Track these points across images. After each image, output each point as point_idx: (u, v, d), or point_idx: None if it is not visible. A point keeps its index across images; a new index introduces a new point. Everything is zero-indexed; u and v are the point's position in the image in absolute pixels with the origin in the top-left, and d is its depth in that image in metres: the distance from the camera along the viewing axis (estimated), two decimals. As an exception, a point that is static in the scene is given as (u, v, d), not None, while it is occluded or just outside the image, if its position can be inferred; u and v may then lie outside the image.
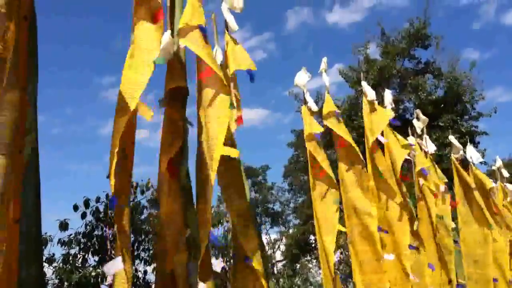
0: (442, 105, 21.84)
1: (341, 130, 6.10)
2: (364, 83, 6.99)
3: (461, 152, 8.98)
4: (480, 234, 8.33)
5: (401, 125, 16.02)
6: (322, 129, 5.84)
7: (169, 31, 3.46)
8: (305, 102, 6.01)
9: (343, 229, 5.72)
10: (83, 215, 8.47)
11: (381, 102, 7.28)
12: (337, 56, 45.67)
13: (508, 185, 11.19)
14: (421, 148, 8.14)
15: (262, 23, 59.67)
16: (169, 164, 3.30)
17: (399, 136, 7.00)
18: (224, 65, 4.31)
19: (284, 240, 34.01)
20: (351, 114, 20.93)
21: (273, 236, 35.68)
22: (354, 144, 6.01)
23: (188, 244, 3.25)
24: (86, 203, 8.39)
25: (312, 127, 5.84)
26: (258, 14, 57.07)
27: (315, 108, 5.93)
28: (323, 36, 51.59)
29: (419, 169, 7.59)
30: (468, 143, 10.19)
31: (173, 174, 3.38)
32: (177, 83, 3.37)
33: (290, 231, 34.10)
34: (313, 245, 29.04)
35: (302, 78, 5.88)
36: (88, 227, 8.61)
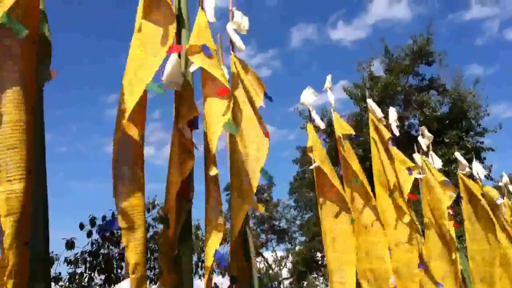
0: (447, 121, 21.82)
1: (351, 156, 6.14)
2: (370, 101, 7.02)
3: (467, 168, 8.95)
4: (488, 251, 8.27)
5: (407, 142, 16.02)
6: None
7: (176, 54, 3.50)
8: (311, 120, 6.04)
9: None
10: (89, 234, 8.45)
11: (386, 118, 7.31)
12: (341, 73, 45.86)
13: (515, 201, 11.13)
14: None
15: (267, 40, 60.15)
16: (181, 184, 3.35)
17: (403, 157, 7.00)
18: (232, 85, 4.35)
19: (290, 257, 33.79)
20: (357, 131, 20.92)
21: (280, 253, 35.49)
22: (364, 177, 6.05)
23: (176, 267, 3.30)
24: (92, 222, 8.37)
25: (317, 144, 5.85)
26: (263, 32, 57.54)
27: (322, 126, 5.97)
28: (327, 53, 51.93)
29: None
30: (474, 159, 10.17)
31: (185, 193, 3.42)
32: (192, 114, 3.42)
33: (297, 248, 33.88)
34: (320, 262, 28.84)
35: (308, 96, 5.91)
36: (94, 245, 8.59)
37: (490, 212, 8.32)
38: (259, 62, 52.18)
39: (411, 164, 6.92)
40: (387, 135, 6.74)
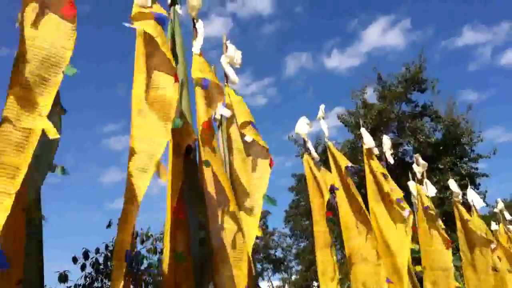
0: (441, 148, 21.90)
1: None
2: (363, 130, 7.07)
3: (460, 197, 8.95)
4: (484, 280, 8.23)
5: (401, 169, 16.05)
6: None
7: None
8: (307, 150, 6.07)
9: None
10: (83, 267, 8.34)
11: (380, 146, 7.36)
12: (336, 100, 46.38)
13: (511, 227, 11.13)
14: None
15: (262, 68, 60.77)
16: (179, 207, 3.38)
17: (395, 188, 7.03)
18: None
19: (287, 287, 33.38)
20: (351, 158, 20.95)
21: (276, 283, 35.08)
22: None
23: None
24: (86, 255, 8.27)
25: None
26: (258, 60, 58.14)
27: (316, 157, 6.01)
28: (322, 80, 52.44)
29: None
30: (469, 186, 10.20)
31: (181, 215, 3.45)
32: (190, 140, 3.46)
33: (293, 277, 33.52)
34: (316, 291, 28.52)
35: (303, 127, 5.95)
36: (88, 279, 8.46)
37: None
38: (255, 90, 52.69)
39: (401, 195, 6.92)
40: (378, 169, 6.78)
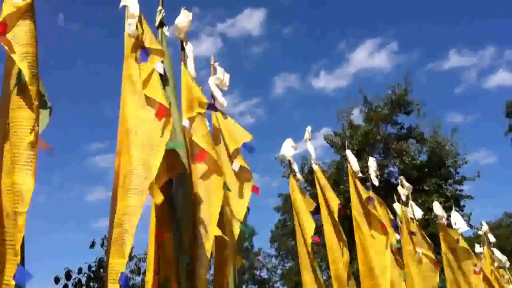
0: (426, 170, 22.06)
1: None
2: (348, 152, 7.13)
3: (444, 220, 8.99)
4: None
5: (387, 190, 16.13)
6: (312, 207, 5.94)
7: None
8: (292, 172, 6.10)
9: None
10: (65, 288, 8.21)
11: (366, 167, 7.41)
12: (324, 120, 46.72)
13: (495, 250, 11.20)
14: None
15: (251, 88, 61.00)
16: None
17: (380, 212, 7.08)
18: (214, 140, 4.42)
19: (272, 308, 33.12)
20: (338, 179, 21.01)
21: (261, 304, 34.78)
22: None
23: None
24: (68, 275, 8.14)
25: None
26: (247, 80, 58.40)
27: (302, 179, 6.05)
28: (310, 101, 52.71)
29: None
30: (453, 209, 10.27)
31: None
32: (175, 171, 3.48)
33: (278, 298, 33.27)
34: (301, 313, 28.29)
35: (288, 149, 5.99)
36: (69, 299, 8.33)
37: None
38: (243, 109, 52.76)
39: (387, 221, 6.98)
40: (364, 194, 6.83)
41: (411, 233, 7.72)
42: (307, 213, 5.76)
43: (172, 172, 3.52)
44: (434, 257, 8.18)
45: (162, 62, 3.68)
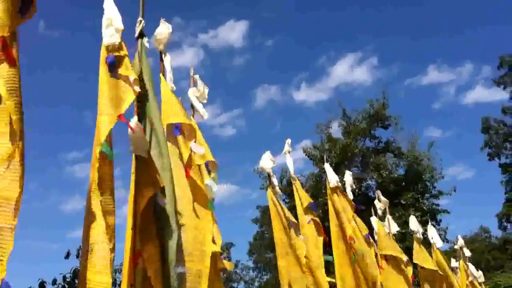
0: (404, 184, 22.32)
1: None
2: (327, 166, 7.17)
3: (419, 235, 9.06)
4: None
5: (365, 203, 16.23)
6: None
7: (136, 117, 3.53)
8: (270, 184, 6.11)
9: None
10: (39, 298, 8.05)
11: (343, 180, 7.46)
12: (304, 133, 46.97)
13: (470, 265, 11.33)
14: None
15: (232, 99, 61.19)
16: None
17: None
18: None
19: (248, 321, 32.93)
20: (316, 192, 21.11)
21: (238, 317, 34.57)
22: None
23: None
24: (42, 286, 7.99)
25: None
26: (228, 91, 58.54)
27: (279, 192, 6.07)
28: (291, 113, 53.00)
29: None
30: (429, 223, 10.38)
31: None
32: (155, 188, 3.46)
33: (255, 311, 33.09)
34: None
35: (267, 162, 6.00)
36: (44, 311, 8.17)
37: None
38: (224, 121, 52.88)
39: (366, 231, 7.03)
40: (347, 206, 6.89)
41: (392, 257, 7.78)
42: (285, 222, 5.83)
43: (156, 187, 3.51)
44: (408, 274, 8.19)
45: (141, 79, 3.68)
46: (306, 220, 6.28)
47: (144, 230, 3.43)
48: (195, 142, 4.12)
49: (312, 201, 6.45)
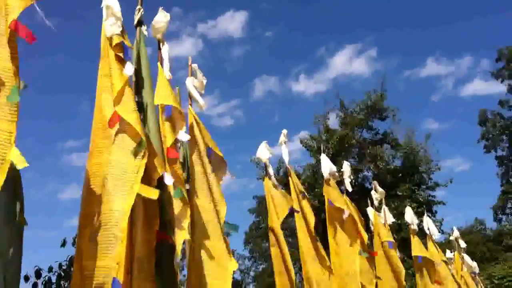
0: (400, 175, 22.37)
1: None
2: (323, 156, 7.16)
3: (415, 226, 9.10)
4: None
5: (361, 194, 16.29)
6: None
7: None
8: (267, 174, 6.12)
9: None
10: (34, 286, 8.06)
11: (340, 172, 7.46)
12: (302, 124, 46.86)
13: (465, 256, 11.39)
14: None
15: (230, 90, 60.89)
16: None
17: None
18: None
19: (244, 310, 33.10)
20: (313, 182, 21.16)
21: (233, 306, 34.70)
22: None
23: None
24: (38, 274, 8.00)
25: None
26: (227, 82, 58.28)
27: (276, 183, 6.07)
28: (289, 104, 52.84)
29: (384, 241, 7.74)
30: (425, 214, 10.42)
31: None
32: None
33: (251, 300, 33.25)
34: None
35: (263, 153, 6.01)
36: (39, 298, 8.18)
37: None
38: (222, 111, 52.68)
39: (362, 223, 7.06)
40: (339, 199, 6.90)
41: (390, 245, 7.80)
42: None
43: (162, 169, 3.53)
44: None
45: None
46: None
47: (153, 217, 3.48)
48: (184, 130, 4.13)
49: (304, 191, 6.46)
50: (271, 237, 5.85)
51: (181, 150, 4.49)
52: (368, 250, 7.04)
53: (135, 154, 3.29)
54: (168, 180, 3.55)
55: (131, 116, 3.36)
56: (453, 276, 9.40)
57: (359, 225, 6.96)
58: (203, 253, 3.98)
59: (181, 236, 3.67)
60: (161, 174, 3.53)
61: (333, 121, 23.83)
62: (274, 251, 5.83)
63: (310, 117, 26.48)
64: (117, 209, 3.19)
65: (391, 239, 7.95)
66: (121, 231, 3.11)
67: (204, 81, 4.56)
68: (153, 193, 3.20)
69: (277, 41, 54.98)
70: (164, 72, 3.99)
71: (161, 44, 4.23)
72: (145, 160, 3.27)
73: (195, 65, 4.64)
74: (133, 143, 3.33)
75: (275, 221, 5.79)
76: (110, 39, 3.47)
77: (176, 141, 4.00)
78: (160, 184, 3.56)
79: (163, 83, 3.87)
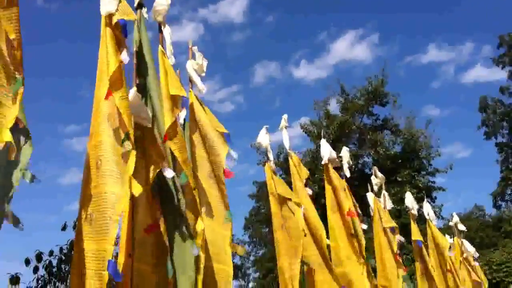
0: (400, 161, 22.38)
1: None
2: (323, 142, 7.15)
3: (415, 211, 9.12)
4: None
5: (361, 180, 16.32)
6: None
7: (135, 88, 3.52)
8: (268, 159, 6.12)
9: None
10: (35, 270, 8.11)
11: (340, 158, 7.46)
12: (303, 110, 46.82)
13: (464, 241, 11.43)
14: None
15: (231, 75, 60.78)
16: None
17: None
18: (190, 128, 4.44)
19: (244, 294, 33.36)
20: (313, 168, 21.17)
21: (233, 290, 34.98)
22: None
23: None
24: (39, 257, 8.03)
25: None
26: (228, 67, 58.13)
27: (274, 168, 6.10)
28: (290, 90, 52.75)
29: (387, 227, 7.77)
30: (425, 200, 10.43)
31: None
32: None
33: (250, 285, 33.51)
34: (273, 299, 28.56)
35: (264, 138, 6.01)
36: (40, 281, 8.23)
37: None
38: (223, 96, 52.63)
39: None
40: (339, 184, 6.89)
41: (392, 230, 7.83)
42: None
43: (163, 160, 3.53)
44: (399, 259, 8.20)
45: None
46: (305, 193, 6.30)
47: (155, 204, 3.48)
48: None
49: (307, 176, 6.45)
50: (274, 221, 5.85)
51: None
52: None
53: (121, 142, 3.27)
54: (169, 173, 3.54)
55: (123, 103, 3.31)
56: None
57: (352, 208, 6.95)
58: (207, 237, 3.98)
59: (200, 226, 3.70)
60: (161, 168, 3.51)
61: (333, 107, 23.82)
62: (280, 234, 5.82)
63: (310, 102, 26.43)
64: (113, 192, 3.17)
65: (394, 224, 7.96)
66: (117, 214, 3.09)
67: (205, 63, 4.54)
68: (136, 189, 3.15)
69: (278, 26, 54.80)
70: (167, 58, 3.96)
71: (162, 27, 4.19)
72: (134, 152, 3.22)
73: (195, 48, 4.61)
74: (121, 133, 3.30)
75: (289, 193, 5.82)
76: (107, 17, 3.44)
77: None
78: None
79: (168, 69, 3.87)
